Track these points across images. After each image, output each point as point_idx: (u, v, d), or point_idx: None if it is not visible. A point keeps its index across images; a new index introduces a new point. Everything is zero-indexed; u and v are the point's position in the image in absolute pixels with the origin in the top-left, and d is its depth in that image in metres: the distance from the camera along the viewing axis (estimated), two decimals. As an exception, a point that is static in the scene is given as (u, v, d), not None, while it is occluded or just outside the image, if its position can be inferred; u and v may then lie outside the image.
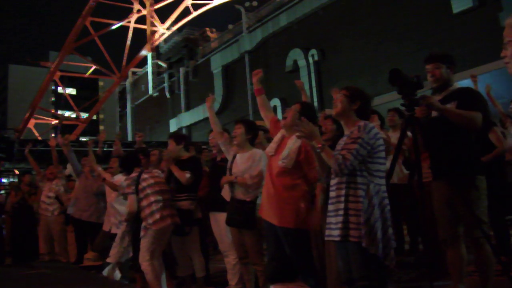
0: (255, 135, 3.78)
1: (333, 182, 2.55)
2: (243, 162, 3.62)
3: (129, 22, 33.07)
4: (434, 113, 2.95)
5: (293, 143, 3.08)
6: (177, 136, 4.57)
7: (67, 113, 39.16)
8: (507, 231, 4.11)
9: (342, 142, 2.58)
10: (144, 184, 4.12)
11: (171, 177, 4.33)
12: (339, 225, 2.43)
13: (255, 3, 24.89)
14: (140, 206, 4.06)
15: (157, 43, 32.79)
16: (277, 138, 3.25)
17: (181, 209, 4.20)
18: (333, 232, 2.48)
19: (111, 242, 4.90)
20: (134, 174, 4.21)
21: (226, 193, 3.75)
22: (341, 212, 2.44)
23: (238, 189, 3.59)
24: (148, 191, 4.09)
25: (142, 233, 4.02)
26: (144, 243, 3.99)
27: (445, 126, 2.85)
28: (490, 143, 4.06)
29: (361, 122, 2.54)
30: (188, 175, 4.17)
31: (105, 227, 5.51)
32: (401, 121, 4.67)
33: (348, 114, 2.60)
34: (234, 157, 3.74)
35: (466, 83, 10.36)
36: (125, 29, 33.28)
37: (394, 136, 4.58)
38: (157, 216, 3.98)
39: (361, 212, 2.38)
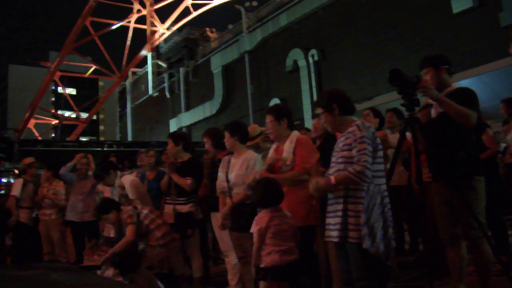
0: (243, 134, 3.74)
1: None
2: (238, 167, 3.60)
3: (129, 22, 33.10)
4: (433, 114, 2.96)
5: (288, 145, 3.19)
6: (176, 137, 4.50)
7: (67, 113, 39.18)
8: (505, 231, 4.11)
9: (340, 142, 2.56)
10: (146, 222, 4.08)
11: (171, 181, 4.32)
12: (338, 226, 2.43)
13: (255, 3, 24.89)
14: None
15: (157, 43, 32.81)
16: (272, 150, 3.36)
17: (182, 213, 4.20)
18: (331, 233, 2.47)
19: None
20: (128, 207, 4.16)
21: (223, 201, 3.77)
22: (339, 213, 2.44)
23: (237, 194, 3.57)
24: (152, 226, 4.09)
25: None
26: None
27: (444, 127, 2.85)
28: (482, 144, 4.05)
29: (358, 121, 2.54)
30: (189, 181, 4.17)
31: (106, 233, 5.50)
32: (400, 122, 4.67)
33: (339, 122, 2.62)
34: (229, 161, 3.72)
35: (466, 83, 10.41)
36: (125, 29, 33.36)
37: (392, 137, 4.57)
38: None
39: (361, 213, 2.37)
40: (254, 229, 2.83)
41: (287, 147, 3.19)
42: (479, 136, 3.97)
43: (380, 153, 2.52)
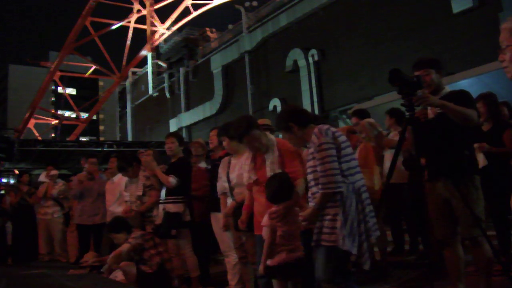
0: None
1: (312, 190, 2.55)
2: (240, 166, 3.55)
3: (129, 22, 33.07)
4: (430, 114, 2.96)
5: (271, 159, 3.03)
6: (181, 137, 4.66)
7: (67, 113, 39.15)
8: (509, 230, 4.10)
9: (310, 152, 2.56)
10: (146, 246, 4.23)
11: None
12: (316, 230, 2.47)
13: (255, 3, 24.89)
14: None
15: (157, 43, 32.78)
16: (248, 165, 3.17)
17: (169, 212, 4.21)
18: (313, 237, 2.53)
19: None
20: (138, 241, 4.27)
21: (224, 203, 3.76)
22: (320, 218, 2.46)
23: (239, 194, 3.55)
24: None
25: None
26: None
27: (443, 127, 2.85)
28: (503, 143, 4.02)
29: (315, 128, 2.53)
30: (171, 178, 4.16)
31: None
32: (392, 121, 4.67)
33: (301, 137, 2.62)
34: (229, 162, 3.69)
35: (466, 83, 10.34)
36: (125, 29, 33.32)
37: (392, 135, 4.57)
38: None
39: (337, 216, 2.39)
40: (266, 222, 2.81)
41: (270, 160, 3.00)
42: (500, 134, 3.95)
43: (348, 150, 2.52)
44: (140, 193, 4.74)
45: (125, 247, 4.12)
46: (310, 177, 2.54)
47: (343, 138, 2.53)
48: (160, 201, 4.40)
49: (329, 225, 2.41)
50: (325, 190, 2.39)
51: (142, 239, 4.15)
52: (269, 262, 2.80)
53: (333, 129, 2.55)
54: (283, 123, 2.69)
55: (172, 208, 4.23)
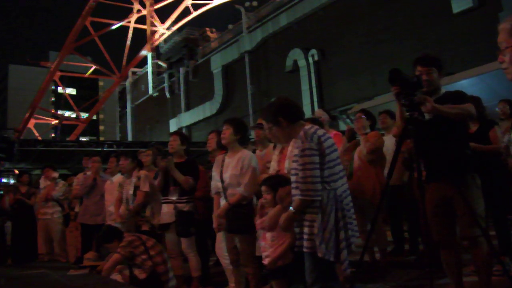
0: (245, 136, 3.67)
1: (293, 192, 2.53)
2: (233, 166, 3.49)
3: (129, 22, 33.08)
4: (428, 115, 2.96)
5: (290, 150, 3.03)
6: (184, 136, 4.67)
7: (67, 113, 39.16)
8: (509, 231, 4.10)
9: (294, 154, 2.52)
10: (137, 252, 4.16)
11: (169, 181, 4.31)
12: (298, 236, 2.48)
13: (255, 3, 24.90)
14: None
15: (157, 43, 32.80)
16: (275, 155, 3.22)
17: (184, 211, 4.21)
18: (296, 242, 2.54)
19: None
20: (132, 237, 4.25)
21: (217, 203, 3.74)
22: (301, 223, 2.47)
23: (232, 195, 3.48)
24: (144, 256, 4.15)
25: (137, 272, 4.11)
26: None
27: (441, 127, 2.85)
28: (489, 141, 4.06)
29: (301, 131, 2.48)
30: (191, 180, 4.19)
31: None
32: (393, 122, 4.65)
33: (288, 132, 2.58)
34: (223, 160, 3.62)
35: (466, 83, 10.32)
36: (125, 29, 33.33)
37: (387, 138, 4.55)
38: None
39: (315, 222, 2.38)
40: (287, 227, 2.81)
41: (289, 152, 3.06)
42: (487, 133, 3.99)
43: (333, 155, 2.47)
44: (131, 191, 4.81)
45: (115, 258, 4.10)
46: (292, 179, 2.50)
47: (329, 142, 2.46)
48: (168, 201, 4.38)
49: (307, 232, 2.40)
50: (303, 197, 2.37)
51: (131, 247, 4.11)
52: (279, 263, 2.84)
53: (319, 132, 2.47)
54: (272, 116, 2.58)
55: (185, 207, 4.24)
